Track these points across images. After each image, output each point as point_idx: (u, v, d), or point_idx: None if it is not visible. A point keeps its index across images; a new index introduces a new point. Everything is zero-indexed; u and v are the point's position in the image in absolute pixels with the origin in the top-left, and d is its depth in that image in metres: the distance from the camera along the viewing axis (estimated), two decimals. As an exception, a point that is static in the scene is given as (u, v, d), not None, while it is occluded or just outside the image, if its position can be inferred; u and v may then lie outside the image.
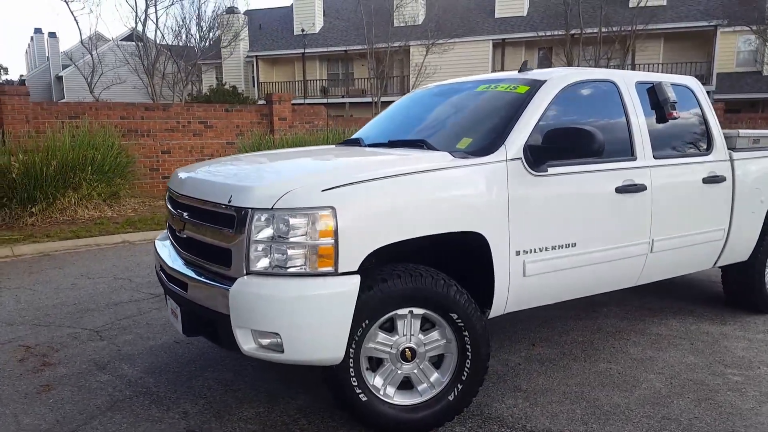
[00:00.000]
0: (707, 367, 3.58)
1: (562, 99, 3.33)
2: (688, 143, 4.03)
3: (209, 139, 12.06)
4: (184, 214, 2.93)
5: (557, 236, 3.15)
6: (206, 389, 3.27)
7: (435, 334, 2.79)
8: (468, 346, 2.78)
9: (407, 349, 2.74)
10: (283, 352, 2.46)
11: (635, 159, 3.55)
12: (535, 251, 3.06)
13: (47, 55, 38.17)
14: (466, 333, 2.76)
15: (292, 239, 2.43)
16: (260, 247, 2.46)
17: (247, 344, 2.49)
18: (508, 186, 2.95)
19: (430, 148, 3.23)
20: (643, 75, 3.89)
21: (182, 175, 3.19)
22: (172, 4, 28.68)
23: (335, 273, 2.45)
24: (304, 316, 2.42)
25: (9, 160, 8.10)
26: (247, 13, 31.50)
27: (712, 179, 3.95)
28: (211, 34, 23.52)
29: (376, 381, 2.74)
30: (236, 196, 2.56)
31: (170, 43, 23.65)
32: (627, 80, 3.71)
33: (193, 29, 23.70)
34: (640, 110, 3.66)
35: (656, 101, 3.79)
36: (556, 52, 27.16)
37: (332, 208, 2.44)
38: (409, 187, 2.67)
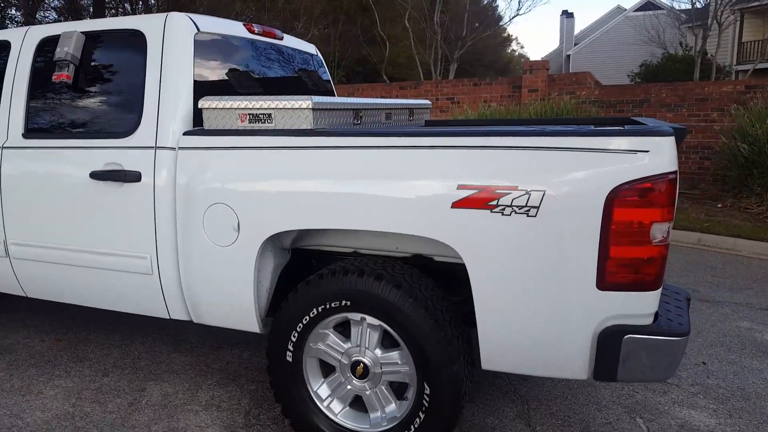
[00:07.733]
0: None
1: None
2: (105, 119, 2.78)
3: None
4: None
5: None
6: None
7: None
8: None
9: None
10: None
11: (-7, 138, 2.93)
12: None
13: (563, 34, 40.46)
14: None
15: None
16: None
17: None
18: None
19: None
20: (63, 27, 2.90)
21: None
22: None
23: None
24: None
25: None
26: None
27: (111, 175, 2.58)
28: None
29: None
30: None
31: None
32: (31, 38, 2.95)
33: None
34: (24, 76, 2.88)
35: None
36: None
37: None
38: None
